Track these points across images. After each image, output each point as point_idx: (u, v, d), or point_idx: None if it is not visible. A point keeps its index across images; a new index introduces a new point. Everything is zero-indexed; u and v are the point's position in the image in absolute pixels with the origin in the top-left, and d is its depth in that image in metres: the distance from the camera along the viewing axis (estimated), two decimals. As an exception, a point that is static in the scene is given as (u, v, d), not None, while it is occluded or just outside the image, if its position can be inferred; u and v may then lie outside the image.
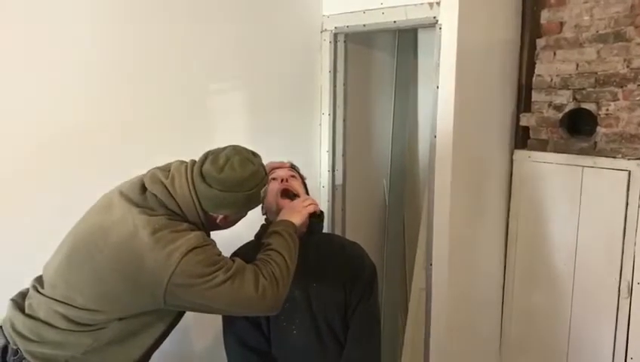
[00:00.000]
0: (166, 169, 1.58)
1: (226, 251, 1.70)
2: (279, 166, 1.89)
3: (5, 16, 1.81)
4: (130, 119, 2.12)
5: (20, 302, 1.57)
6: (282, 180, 1.82)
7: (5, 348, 1.53)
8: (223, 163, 1.52)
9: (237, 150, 1.57)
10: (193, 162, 1.57)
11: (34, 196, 1.91)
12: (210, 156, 1.55)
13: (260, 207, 1.83)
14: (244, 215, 1.67)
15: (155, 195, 1.52)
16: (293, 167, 1.93)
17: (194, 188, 1.51)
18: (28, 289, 1.59)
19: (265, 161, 1.82)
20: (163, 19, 2.17)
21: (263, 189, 1.60)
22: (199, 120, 2.33)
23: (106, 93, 2.05)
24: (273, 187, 1.80)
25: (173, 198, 1.51)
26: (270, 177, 1.81)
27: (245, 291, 1.47)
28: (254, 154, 1.61)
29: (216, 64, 2.37)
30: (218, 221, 1.60)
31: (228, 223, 1.64)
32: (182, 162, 1.59)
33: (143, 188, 1.54)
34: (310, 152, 2.83)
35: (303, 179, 1.94)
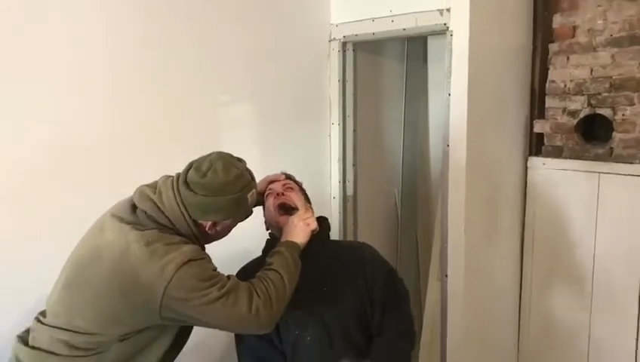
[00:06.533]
0: (153, 186, 1.61)
1: (234, 266, 1.70)
2: (274, 179, 1.89)
3: (23, 32, 1.83)
4: (143, 132, 2.14)
5: (24, 336, 1.60)
6: (278, 194, 1.82)
7: None
8: (206, 169, 1.54)
9: (220, 156, 1.59)
10: (179, 175, 1.59)
11: (46, 212, 1.91)
12: (195, 164, 1.58)
13: (263, 222, 1.87)
14: (234, 223, 1.67)
15: (145, 212, 1.54)
16: (288, 177, 1.91)
17: (180, 197, 1.53)
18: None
19: (264, 174, 1.87)
20: (174, 30, 2.21)
21: (250, 194, 1.61)
22: (209, 132, 2.36)
23: (120, 106, 2.07)
24: (270, 203, 1.81)
25: (163, 212, 1.53)
26: (266, 193, 1.84)
27: (239, 310, 1.48)
28: (239, 159, 1.63)
29: (225, 75, 2.39)
30: (207, 229, 1.60)
31: (218, 232, 1.65)
32: (168, 176, 1.61)
33: (134, 207, 1.57)
34: (320, 163, 2.85)
35: (300, 186, 1.93)
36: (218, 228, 1.63)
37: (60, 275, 1.59)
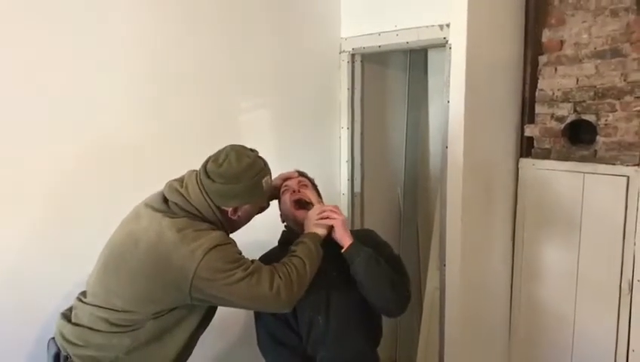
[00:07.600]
0: (180, 179, 1.69)
1: (252, 254, 1.73)
2: (288, 176, 1.92)
3: (61, 37, 1.92)
4: (177, 133, 2.24)
5: (67, 314, 1.69)
6: (294, 191, 1.86)
7: (57, 355, 1.65)
8: (222, 160, 1.62)
9: (234, 148, 1.66)
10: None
11: (83, 206, 2.01)
12: (212, 157, 1.66)
13: (279, 215, 1.93)
14: (254, 209, 1.73)
15: (176, 203, 1.63)
16: (301, 174, 1.95)
17: (203, 187, 1.60)
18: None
19: (280, 171, 1.92)
20: (210, 46, 2.32)
21: (264, 180, 1.67)
22: (232, 134, 2.43)
23: (151, 109, 2.17)
24: (286, 198, 1.86)
25: (190, 203, 1.61)
26: (282, 189, 1.88)
27: (261, 288, 1.54)
28: (251, 150, 1.69)
29: (247, 83, 2.48)
30: (230, 214, 1.66)
31: (241, 218, 1.70)
32: (193, 171, 1.70)
33: (165, 199, 1.66)
34: (331, 163, 2.94)
35: (312, 182, 1.96)
36: (240, 214, 1.68)
37: (99, 258, 1.67)
